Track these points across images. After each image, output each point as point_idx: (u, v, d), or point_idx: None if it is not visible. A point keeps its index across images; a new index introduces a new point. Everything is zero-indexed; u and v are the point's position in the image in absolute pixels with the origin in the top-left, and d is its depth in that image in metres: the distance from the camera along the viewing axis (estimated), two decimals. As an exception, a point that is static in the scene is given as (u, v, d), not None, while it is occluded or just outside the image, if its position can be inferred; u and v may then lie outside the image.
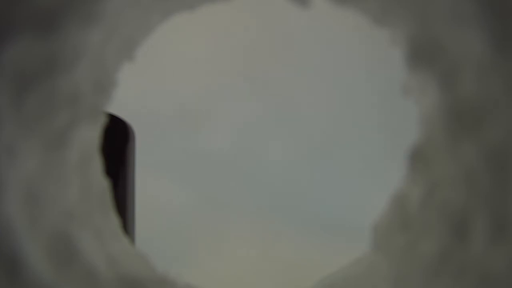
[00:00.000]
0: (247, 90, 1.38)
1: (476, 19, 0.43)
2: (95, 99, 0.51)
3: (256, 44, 1.36)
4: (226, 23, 1.32)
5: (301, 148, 1.37)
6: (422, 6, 0.47)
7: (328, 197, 1.33)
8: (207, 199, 1.35)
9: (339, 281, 0.55)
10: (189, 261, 1.27)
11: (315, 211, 1.32)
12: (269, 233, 1.32)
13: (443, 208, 0.48)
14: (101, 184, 0.54)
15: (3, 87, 0.42)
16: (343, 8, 0.52)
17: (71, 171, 0.50)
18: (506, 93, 0.43)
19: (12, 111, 0.43)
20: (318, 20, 1.19)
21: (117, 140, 0.79)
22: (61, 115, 0.47)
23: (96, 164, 0.54)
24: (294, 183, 1.36)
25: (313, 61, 1.36)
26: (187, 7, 0.54)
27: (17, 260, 0.42)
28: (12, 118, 0.43)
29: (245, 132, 1.38)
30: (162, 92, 1.37)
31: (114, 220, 0.55)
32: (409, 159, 0.51)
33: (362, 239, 0.58)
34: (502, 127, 0.44)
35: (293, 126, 1.37)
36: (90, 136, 0.52)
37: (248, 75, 1.38)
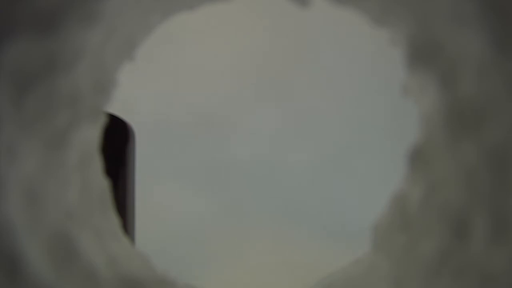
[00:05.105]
0: (263, 96, 1.38)
1: (476, 19, 0.43)
2: (95, 99, 0.51)
3: (265, 48, 1.36)
4: (231, 26, 1.32)
5: (319, 156, 1.36)
6: (422, 6, 0.47)
7: (351, 205, 1.33)
8: (226, 207, 1.35)
9: (339, 281, 0.55)
10: (208, 268, 1.27)
11: (337, 220, 1.31)
12: (290, 241, 1.32)
13: (443, 208, 0.48)
14: (101, 184, 0.54)
15: (3, 87, 0.42)
16: (343, 7, 0.52)
17: (71, 171, 0.50)
18: (506, 93, 0.43)
19: (12, 111, 0.43)
20: (322, 19, 1.19)
21: (117, 140, 0.79)
22: (61, 115, 0.47)
23: (96, 164, 0.54)
24: (314, 190, 1.36)
25: (322, 63, 1.36)
26: (187, 7, 0.54)
27: (17, 260, 0.42)
28: (12, 118, 0.43)
29: (264, 140, 1.39)
30: (181, 99, 1.37)
31: (114, 220, 0.55)
32: (409, 159, 0.51)
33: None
34: (503, 127, 0.44)
35: (310, 133, 1.37)
36: (90, 136, 0.52)
37: (261, 81, 1.38)
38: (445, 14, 0.46)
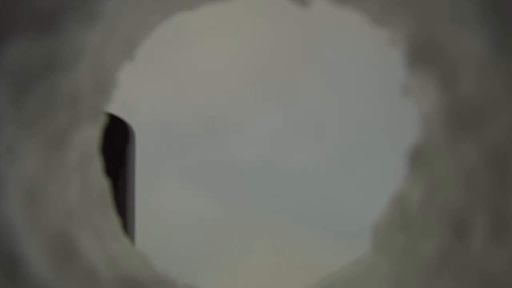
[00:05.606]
0: (264, 97, 1.38)
1: (476, 19, 0.43)
2: (95, 99, 0.51)
3: (266, 48, 1.36)
4: (231, 26, 1.32)
5: (320, 156, 1.36)
6: (422, 6, 0.47)
7: (351, 205, 1.32)
8: (226, 207, 1.35)
9: (339, 281, 0.55)
10: (208, 268, 1.27)
11: (337, 220, 1.31)
12: (290, 241, 1.32)
13: (443, 208, 0.48)
14: (101, 184, 0.54)
15: (3, 87, 0.42)
16: (343, 7, 0.52)
17: (71, 171, 0.50)
18: (506, 93, 0.43)
19: (12, 111, 0.43)
20: (322, 19, 1.19)
21: (117, 140, 0.79)
22: (61, 115, 0.47)
23: (96, 164, 0.54)
24: (314, 191, 1.36)
25: (322, 63, 1.36)
26: (187, 7, 0.54)
27: (17, 260, 0.42)
28: (12, 118, 0.43)
29: (264, 140, 1.38)
30: (181, 100, 1.37)
31: (114, 220, 0.55)
32: (409, 159, 0.51)
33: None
34: (503, 127, 0.44)
35: (310, 134, 1.37)
36: (90, 136, 0.52)
37: (262, 81, 1.38)
38: (445, 14, 0.46)
